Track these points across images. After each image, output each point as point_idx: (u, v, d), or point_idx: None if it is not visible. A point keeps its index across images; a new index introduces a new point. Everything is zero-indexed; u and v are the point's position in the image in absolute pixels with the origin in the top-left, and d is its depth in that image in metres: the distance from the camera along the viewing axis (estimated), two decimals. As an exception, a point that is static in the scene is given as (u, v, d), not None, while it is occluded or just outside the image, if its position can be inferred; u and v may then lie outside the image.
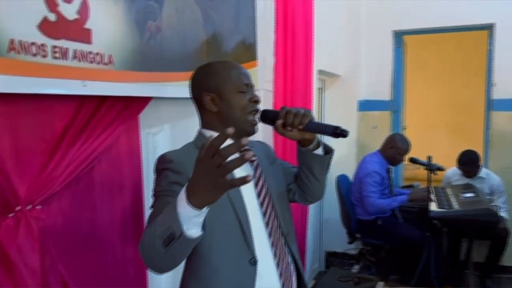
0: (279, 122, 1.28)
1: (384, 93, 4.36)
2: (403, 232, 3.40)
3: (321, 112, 4.27)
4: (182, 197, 0.89)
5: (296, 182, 1.44)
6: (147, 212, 1.63)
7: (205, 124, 1.30)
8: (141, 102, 1.55)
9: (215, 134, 1.27)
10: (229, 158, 0.83)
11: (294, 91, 3.02)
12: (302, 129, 1.26)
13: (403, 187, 4.32)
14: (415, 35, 4.52)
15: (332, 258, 4.34)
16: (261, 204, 1.27)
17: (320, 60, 3.45)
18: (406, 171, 5.01)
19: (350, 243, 3.82)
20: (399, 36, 4.31)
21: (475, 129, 4.64)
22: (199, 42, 1.88)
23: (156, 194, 1.17)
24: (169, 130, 1.86)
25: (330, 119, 4.21)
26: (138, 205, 1.62)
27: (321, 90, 4.27)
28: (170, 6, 1.64)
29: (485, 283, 3.67)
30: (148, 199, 1.63)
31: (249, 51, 2.42)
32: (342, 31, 4.12)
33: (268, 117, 1.32)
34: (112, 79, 1.31)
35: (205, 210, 0.91)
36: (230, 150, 0.82)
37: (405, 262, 3.52)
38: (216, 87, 1.26)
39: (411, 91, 5.01)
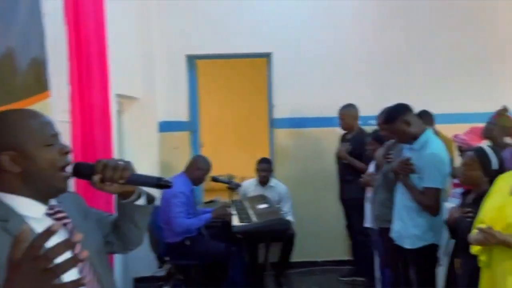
0: (97, 177, 1.19)
1: (182, 114, 4.51)
2: (210, 249, 3.58)
3: (121, 136, 4.13)
4: None
5: (115, 232, 1.35)
6: None
7: (2, 186, 1.09)
8: None
9: (17, 197, 1.10)
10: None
11: (92, 119, 2.84)
12: (123, 183, 1.21)
13: (206, 202, 4.55)
14: (207, 59, 4.83)
15: (141, 284, 4.23)
16: (81, 273, 1.13)
17: (117, 83, 3.35)
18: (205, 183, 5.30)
19: (160, 267, 3.81)
20: (192, 60, 4.53)
21: (262, 144, 5.23)
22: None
23: None
24: None
25: (130, 142, 4.12)
26: None
27: (119, 113, 4.13)
28: None
29: (280, 280, 4.17)
30: None
31: (41, 79, 2.18)
32: (137, 54, 4.09)
33: (82, 172, 1.21)
34: None
35: None
36: (59, 251, 0.70)
37: (214, 276, 3.72)
38: (16, 144, 1.07)
39: (206, 111, 5.34)
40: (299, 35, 4.45)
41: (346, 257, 4.48)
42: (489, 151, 2.32)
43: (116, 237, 1.35)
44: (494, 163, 2.28)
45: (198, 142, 4.69)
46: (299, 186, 4.47)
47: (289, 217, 4.07)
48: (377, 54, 4.51)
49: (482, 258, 1.98)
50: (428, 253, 2.70)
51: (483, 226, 1.90)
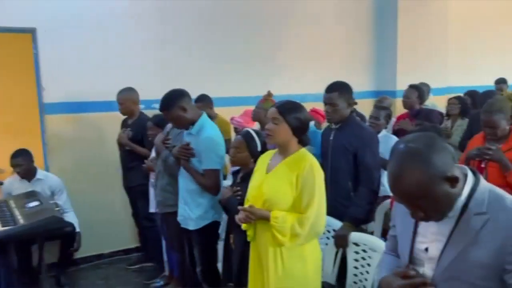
0: None
1: None
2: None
3: None
4: None
5: None
6: None
7: None
8: None
9: None
10: None
11: None
12: None
13: (-42, 206, 3.75)
14: None
15: None
16: None
17: None
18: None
19: None
20: None
21: (33, 132, 4.58)
22: None
23: None
24: None
25: None
26: None
27: None
28: None
29: (61, 281, 3.80)
30: None
31: None
32: None
33: None
34: None
35: None
36: None
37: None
38: None
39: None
40: (67, 11, 3.97)
41: (134, 244, 4.39)
42: (254, 135, 2.55)
43: None
44: (258, 145, 2.52)
45: None
46: (79, 176, 4.12)
47: (67, 210, 3.72)
48: (159, 38, 4.43)
49: (249, 232, 2.16)
50: (211, 231, 2.85)
51: (245, 206, 2.08)
